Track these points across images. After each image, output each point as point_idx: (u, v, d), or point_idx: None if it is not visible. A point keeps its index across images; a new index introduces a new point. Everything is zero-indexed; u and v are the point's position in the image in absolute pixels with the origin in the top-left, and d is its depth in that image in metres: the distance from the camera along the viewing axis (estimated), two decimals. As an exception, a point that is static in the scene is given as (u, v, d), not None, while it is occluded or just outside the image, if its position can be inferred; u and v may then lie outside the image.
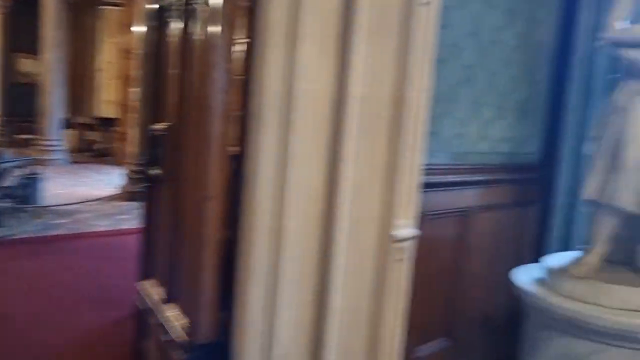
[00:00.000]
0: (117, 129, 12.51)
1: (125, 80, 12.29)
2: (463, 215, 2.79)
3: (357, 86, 1.80)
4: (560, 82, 3.15)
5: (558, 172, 3.11)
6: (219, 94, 1.99)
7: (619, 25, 2.11)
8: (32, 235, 5.74)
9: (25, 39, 13.26)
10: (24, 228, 5.90)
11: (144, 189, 2.73)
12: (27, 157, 7.63)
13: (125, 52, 12.48)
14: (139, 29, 8.20)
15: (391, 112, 1.84)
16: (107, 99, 13.77)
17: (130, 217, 6.76)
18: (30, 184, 6.61)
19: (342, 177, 1.81)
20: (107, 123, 13.05)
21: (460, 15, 2.59)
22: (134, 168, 8.03)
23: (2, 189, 6.09)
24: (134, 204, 7.45)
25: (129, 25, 12.06)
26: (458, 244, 2.79)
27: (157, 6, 2.73)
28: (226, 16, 1.97)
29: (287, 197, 1.81)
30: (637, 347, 2.01)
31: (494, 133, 2.94)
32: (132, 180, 8.00)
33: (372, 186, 1.85)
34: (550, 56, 3.20)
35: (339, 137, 1.82)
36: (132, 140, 8.38)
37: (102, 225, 6.43)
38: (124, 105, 12.18)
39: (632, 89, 2.04)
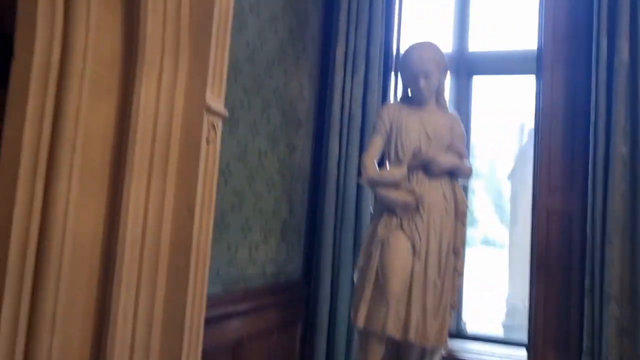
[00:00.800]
0: None
1: None
2: (234, 348, 2.62)
3: (131, 228, 1.57)
4: (317, 205, 3.35)
5: (319, 291, 3.21)
6: None
7: (373, 166, 2.34)
8: None
9: None
10: None
11: None
12: None
13: None
14: None
15: (172, 256, 1.63)
16: None
17: None
18: None
19: (114, 338, 1.51)
20: None
21: (229, 141, 2.57)
22: None
23: None
24: None
25: None
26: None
27: None
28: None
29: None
30: None
31: (261, 256, 2.92)
32: None
33: (151, 345, 1.57)
34: (307, 180, 3.40)
35: (110, 287, 1.53)
36: None
37: None
38: None
39: (390, 223, 2.24)
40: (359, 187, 3.25)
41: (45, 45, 1.52)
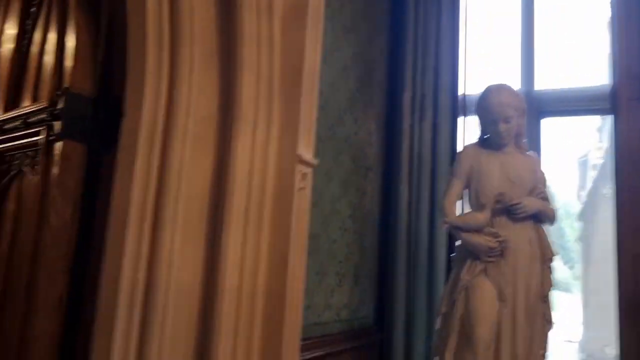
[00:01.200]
0: None
1: None
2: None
3: (228, 277, 1.61)
4: (388, 249, 3.34)
5: (392, 336, 3.17)
6: (50, 284, 1.61)
7: (454, 210, 2.33)
8: None
9: None
10: None
11: None
12: None
13: None
14: None
15: (267, 304, 1.66)
16: None
17: None
18: None
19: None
20: None
21: (306, 188, 2.63)
22: None
23: None
24: None
25: None
26: None
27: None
28: (64, 193, 1.66)
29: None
30: None
31: (335, 301, 2.92)
32: None
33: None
34: (377, 225, 3.40)
35: (209, 336, 1.57)
36: None
37: None
38: None
39: (474, 268, 2.21)
40: (431, 231, 3.22)
41: (152, 104, 1.63)
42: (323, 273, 2.79)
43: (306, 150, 1.79)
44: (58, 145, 1.65)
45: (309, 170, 1.81)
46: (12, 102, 2.05)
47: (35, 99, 1.91)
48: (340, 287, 2.97)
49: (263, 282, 1.64)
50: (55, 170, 1.64)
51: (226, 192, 1.65)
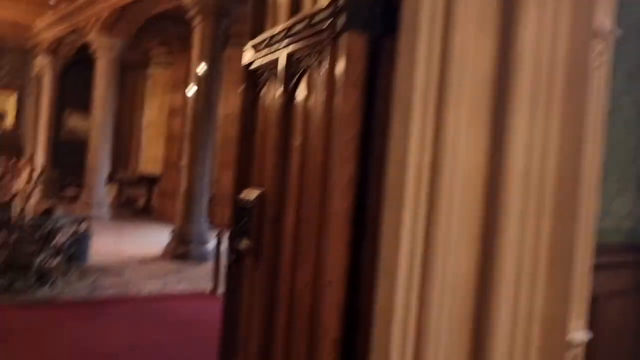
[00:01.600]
0: (160, 185, 12.55)
1: (171, 138, 12.44)
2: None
3: (516, 159, 1.54)
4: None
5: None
6: (341, 165, 1.75)
7: None
8: (82, 296, 5.51)
9: (74, 96, 13.65)
10: (73, 288, 5.70)
11: (230, 262, 2.48)
12: (77, 215, 7.55)
13: (172, 111, 12.72)
14: (190, 88, 8.27)
15: (558, 189, 1.55)
16: (150, 156, 13.86)
17: (180, 278, 6.56)
18: (79, 241, 6.48)
19: (499, 269, 1.52)
20: (149, 180, 13.07)
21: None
22: (180, 227, 7.87)
23: (52, 247, 5.95)
24: (181, 264, 7.26)
25: (176, 85, 12.35)
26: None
27: (251, 65, 2.55)
28: (350, 80, 1.75)
29: (429, 294, 1.52)
30: None
31: (616, 209, 2.63)
32: (177, 239, 7.83)
33: (536, 279, 1.54)
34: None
35: (495, 220, 1.55)
36: (177, 198, 8.28)
37: (152, 287, 6.16)
38: (169, 163, 12.27)
39: None
40: None
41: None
42: (602, 177, 2.51)
43: (604, 22, 1.57)
44: (343, 37, 1.74)
45: (606, 45, 1.59)
46: (296, 8, 2.22)
47: (315, 2, 2.04)
48: (623, 194, 2.65)
49: (553, 166, 1.53)
50: (340, 60, 1.74)
51: (511, 73, 1.56)
